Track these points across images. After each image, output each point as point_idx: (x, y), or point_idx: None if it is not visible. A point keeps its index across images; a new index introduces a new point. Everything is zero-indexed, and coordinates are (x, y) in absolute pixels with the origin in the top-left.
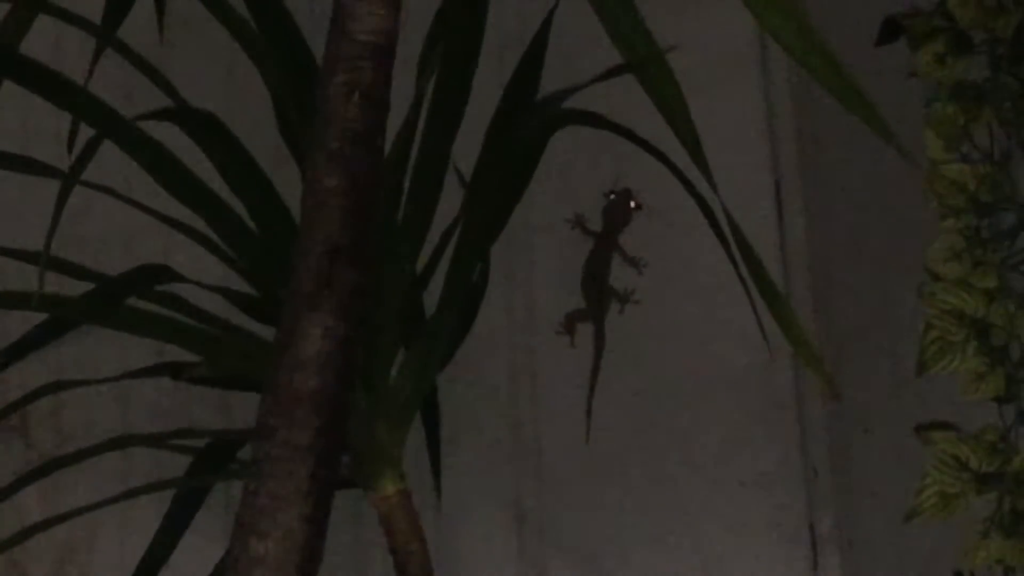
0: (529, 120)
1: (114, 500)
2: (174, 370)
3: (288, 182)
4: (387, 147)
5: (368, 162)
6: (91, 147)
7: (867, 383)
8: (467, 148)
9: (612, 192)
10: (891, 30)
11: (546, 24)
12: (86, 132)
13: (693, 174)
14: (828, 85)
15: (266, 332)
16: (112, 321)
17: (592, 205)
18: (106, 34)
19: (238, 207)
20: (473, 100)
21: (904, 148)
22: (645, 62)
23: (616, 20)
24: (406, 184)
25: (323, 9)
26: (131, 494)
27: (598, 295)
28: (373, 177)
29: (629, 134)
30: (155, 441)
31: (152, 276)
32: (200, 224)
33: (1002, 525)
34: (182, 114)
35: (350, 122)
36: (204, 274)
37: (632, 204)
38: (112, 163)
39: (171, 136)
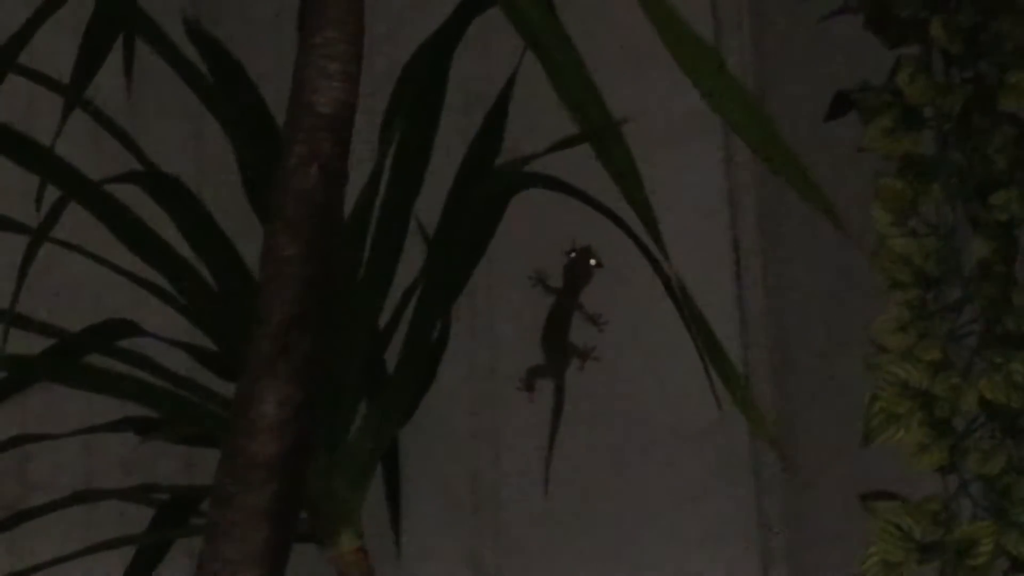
0: (491, 182)
1: (78, 555)
2: (138, 425)
3: (255, 242)
4: (349, 207)
5: (326, 231)
6: (58, 207)
7: (818, 448)
8: (431, 200)
9: (573, 250)
10: (842, 104)
11: (508, 85)
12: (54, 189)
13: None
14: (773, 165)
15: (228, 389)
16: (73, 379)
17: (553, 262)
18: (74, 94)
19: (202, 266)
20: (439, 152)
21: (844, 226)
22: (598, 131)
23: (570, 88)
24: (368, 243)
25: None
26: (94, 549)
27: (558, 352)
28: (331, 246)
29: (586, 198)
30: (119, 496)
31: (115, 331)
32: (164, 281)
33: None
34: (147, 178)
35: (308, 192)
36: (169, 330)
37: (592, 262)
38: (81, 217)
39: (138, 193)
